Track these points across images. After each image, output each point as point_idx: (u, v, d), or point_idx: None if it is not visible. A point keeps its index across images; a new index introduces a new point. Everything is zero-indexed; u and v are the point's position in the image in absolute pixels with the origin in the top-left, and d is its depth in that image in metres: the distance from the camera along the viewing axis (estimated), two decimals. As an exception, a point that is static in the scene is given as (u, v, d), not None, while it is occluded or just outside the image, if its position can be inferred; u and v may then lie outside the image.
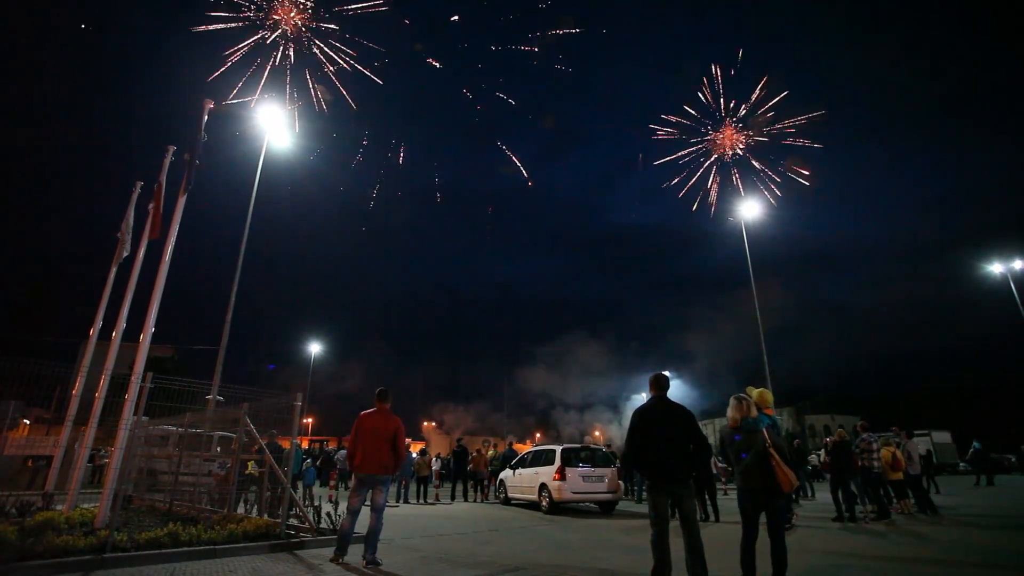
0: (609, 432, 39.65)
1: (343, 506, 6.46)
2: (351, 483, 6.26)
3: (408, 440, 9.48)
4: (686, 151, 54.62)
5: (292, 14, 43.16)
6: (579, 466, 11.34)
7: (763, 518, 4.32)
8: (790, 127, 51.12)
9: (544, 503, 11.44)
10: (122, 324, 8.74)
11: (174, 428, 10.30)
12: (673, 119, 54.13)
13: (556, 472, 11.17)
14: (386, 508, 6.03)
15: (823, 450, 17.21)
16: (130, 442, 6.89)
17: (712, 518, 9.71)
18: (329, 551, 5.97)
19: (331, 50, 45.07)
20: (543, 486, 11.52)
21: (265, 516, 7.74)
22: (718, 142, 54.02)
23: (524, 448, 19.18)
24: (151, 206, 9.46)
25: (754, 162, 53.12)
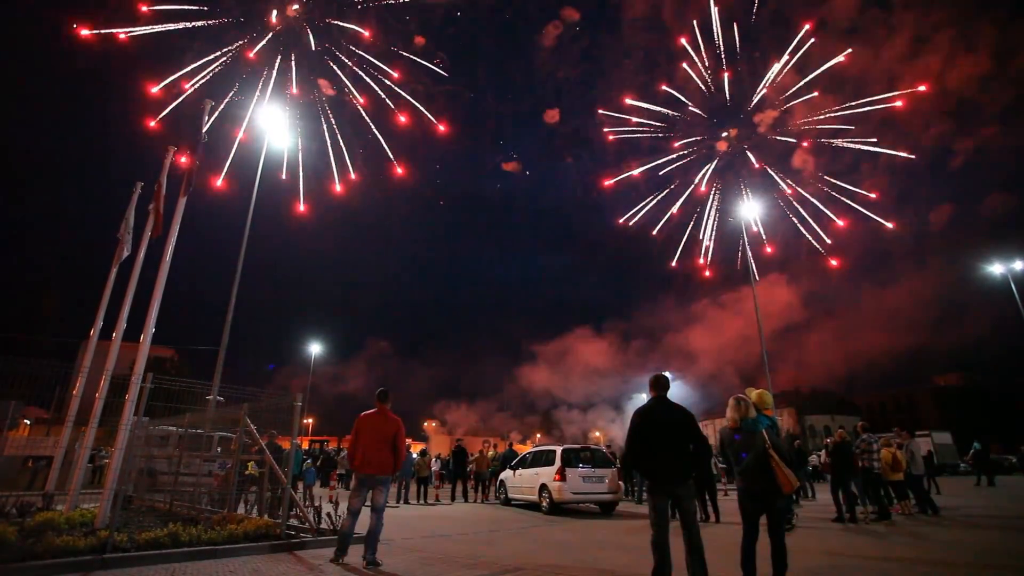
0: (611, 432, 39.66)
1: (343, 506, 6.47)
2: (351, 483, 6.26)
3: (408, 441, 9.50)
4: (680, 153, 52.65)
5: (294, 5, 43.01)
6: (579, 467, 11.34)
7: (764, 519, 4.34)
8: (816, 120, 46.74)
9: (544, 504, 11.43)
10: (122, 324, 8.75)
11: (174, 428, 10.31)
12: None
13: (556, 473, 11.17)
14: (386, 509, 6.04)
15: (823, 451, 17.21)
16: (130, 442, 6.89)
17: (712, 519, 9.70)
18: (329, 551, 5.97)
19: (335, 47, 45.10)
20: (543, 487, 11.52)
21: (265, 516, 7.75)
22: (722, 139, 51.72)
23: (525, 448, 19.18)
24: (151, 207, 9.47)
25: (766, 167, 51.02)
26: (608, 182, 51.96)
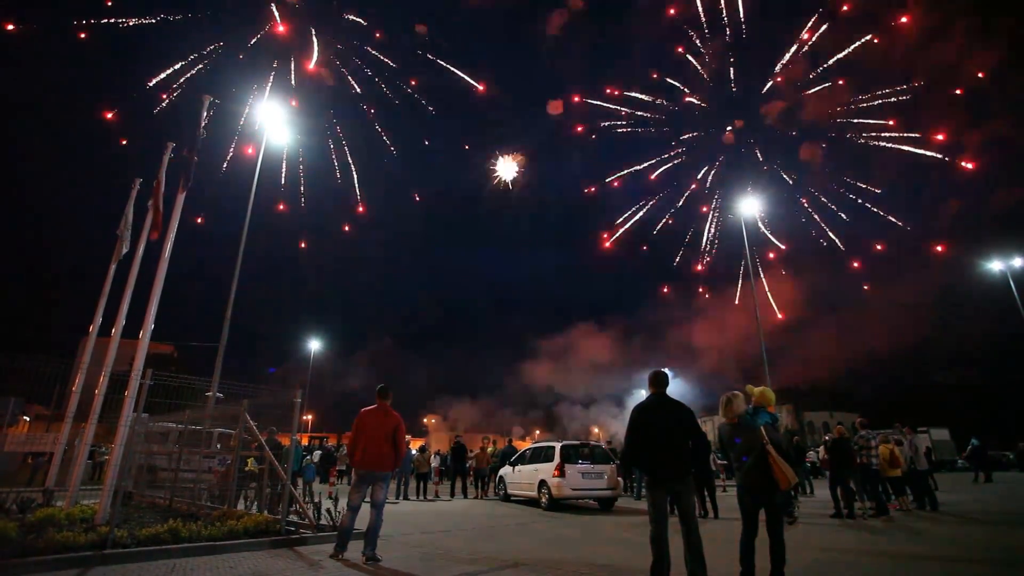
0: (612, 428, 39.74)
1: (343, 502, 6.48)
2: (351, 479, 6.27)
3: (408, 437, 9.50)
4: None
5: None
6: (578, 463, 11.36)
7: (763, 515, 4.36)
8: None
9: (543, 500, 11.47)
10: (122, 321, 8.75)
11: (174, 425, 10.32)
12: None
13: (555, 469, 11.19)
14: (386, 504, 6.05)
15: (822, 447, 17.25)
16: (130, 439, 6.89)
17: (711, 514, 9.74)
18: (329, 547, 5.98)
19: (339, 43, 44.91)
20: (542, 483, 11.55)
21: (265, 512, 7.77)
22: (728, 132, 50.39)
23: (524, 445, 19.22)
24: (150, 203, 9.45)
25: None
26: (610, 179, 51.70)
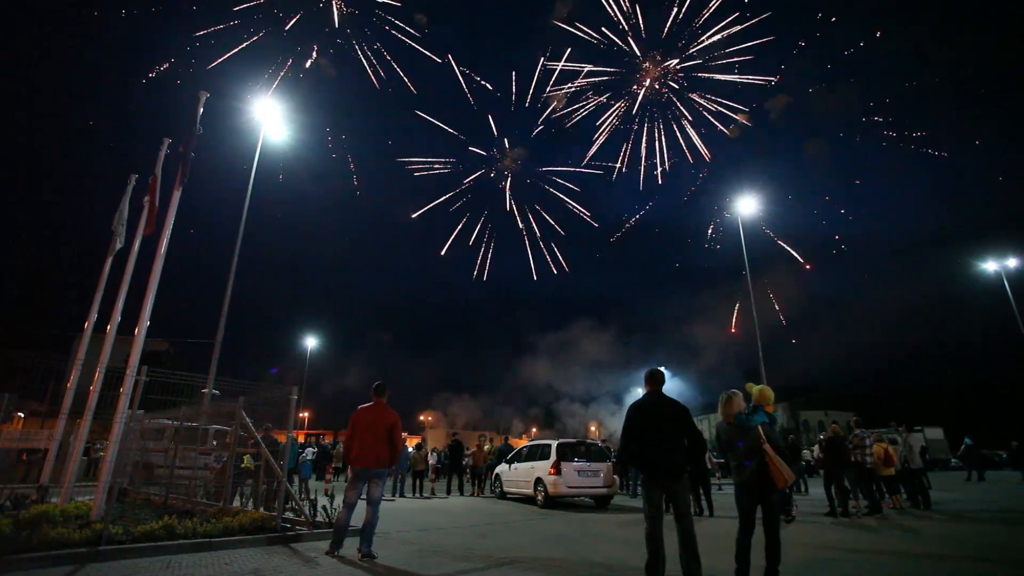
0: (611, 426, 39.84)
1: (339, 499, 6.48)
2: (348, 476, 6.27)
3: (404, 434, 9.50)
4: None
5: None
6: (575, 461, 11.39)
7: (759, 513, 4.39)
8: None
9: (540, 497, 11.49)
10: (117, 317, 8.70)
11: (170, 422, 10.29)
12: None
13: (552, 466, 11.22)
14: (382, 502, 6.05)
15: (817, 446, 17.34)
16: (125, 436, 6.87)
17: (706, 512, 9.78)
18: (325, 544, 5.98)
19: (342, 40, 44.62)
20: (539, 480, 11.58)
21: (261, 509, 7.76)
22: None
23: (521, 443, 19.23)
24: (146, 199, 9.40)
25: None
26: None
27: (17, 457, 15.79)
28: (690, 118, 50.20)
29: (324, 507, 7.48)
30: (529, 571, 5.12)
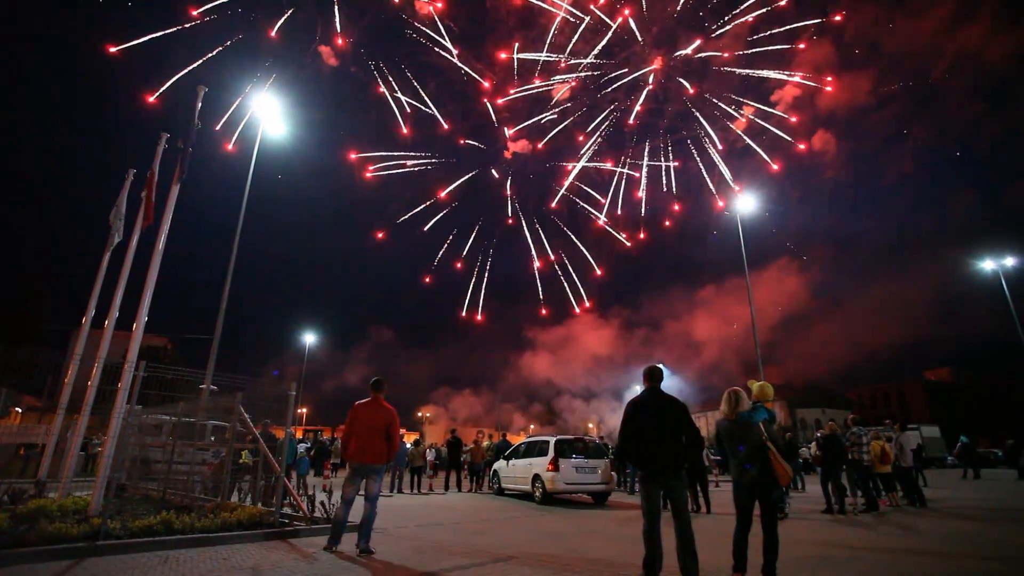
0: (611, 422, 39.89)
1: (337, 495, 6.48)
2: (345, 472, 6.28)
3: (402, 431, 9.51)
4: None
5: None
6: (572, 457, 11.41)
7: (757, 509, 4.40)
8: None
9: (537, 494, 11.52)
10: (115, 312, 8.68)
11: (168, 417, 10.28)
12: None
13: (550, 463, 11.23)
14: (380, 498, 6.06)
15: (814, 443, 17.39)
16: (123, 431, 6.87)
17: (704, 509, 9.81)
18: (323, 540, 5.99)
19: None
20: (536, 477, 11.60)
21: (259, 505, 7.76)
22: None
23: (519, 439, 19.26)
24: (143, 194, 9.36)
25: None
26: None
27: (15, 452, 15.76)
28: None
29: (322, 503, 7.49)
30: (526, 567, 5.13)
